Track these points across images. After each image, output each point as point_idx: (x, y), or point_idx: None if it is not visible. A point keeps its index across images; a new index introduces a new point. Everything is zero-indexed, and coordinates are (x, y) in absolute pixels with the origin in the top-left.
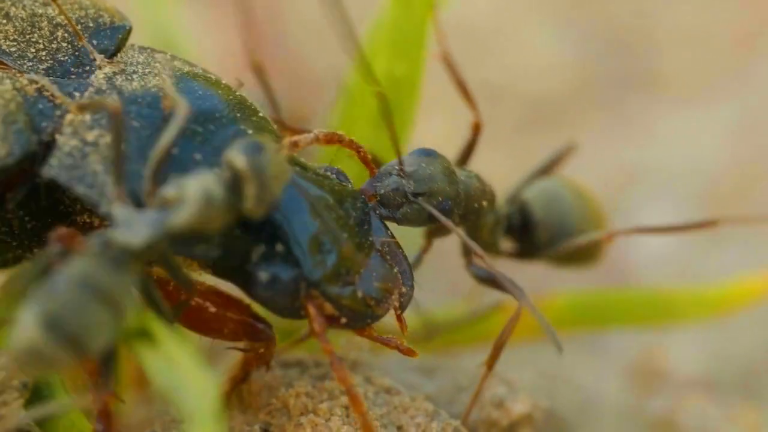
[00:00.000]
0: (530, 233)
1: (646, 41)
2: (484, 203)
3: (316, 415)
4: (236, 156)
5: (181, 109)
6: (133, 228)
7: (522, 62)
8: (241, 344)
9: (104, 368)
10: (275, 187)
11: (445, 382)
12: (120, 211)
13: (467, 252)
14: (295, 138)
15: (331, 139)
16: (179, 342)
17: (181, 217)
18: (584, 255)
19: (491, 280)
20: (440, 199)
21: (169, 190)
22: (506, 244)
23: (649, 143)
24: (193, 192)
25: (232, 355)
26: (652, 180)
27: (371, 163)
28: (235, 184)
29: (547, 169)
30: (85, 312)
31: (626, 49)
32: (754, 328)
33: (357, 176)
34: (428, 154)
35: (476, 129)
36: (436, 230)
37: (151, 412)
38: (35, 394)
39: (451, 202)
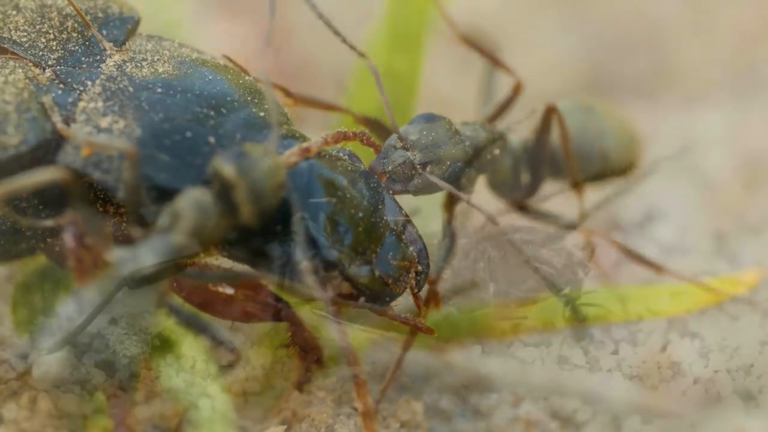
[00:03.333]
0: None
1: (652, 41)
2: (496, 152)
3: None
4: (222, 165)
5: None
6: (139, 256)
7: (525, 61)
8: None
9: None
10: (269, 192)
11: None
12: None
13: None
14: (306, 145)
15: (338, 138)
16: (196, 350)
17: (180, 231)
18: (617, 166)
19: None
20: (448, 163)
21: (162, 216)
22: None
23: (653, 143)
24: (184, 204)
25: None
26: (656, 180)
27: (375, 143)
28: (224, 193)
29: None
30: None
31: (631, 49)
32: (761, 326)
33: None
34: (429, 119)
35: (517, 89)
36: (452, 198)
37: (160, 408)
38: None
39: (461, 164)
